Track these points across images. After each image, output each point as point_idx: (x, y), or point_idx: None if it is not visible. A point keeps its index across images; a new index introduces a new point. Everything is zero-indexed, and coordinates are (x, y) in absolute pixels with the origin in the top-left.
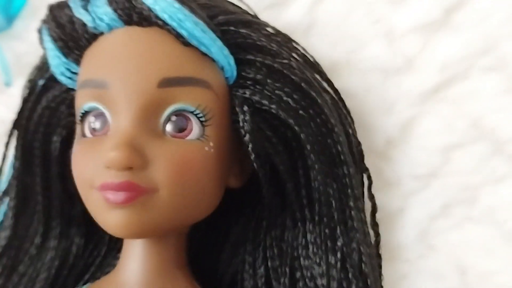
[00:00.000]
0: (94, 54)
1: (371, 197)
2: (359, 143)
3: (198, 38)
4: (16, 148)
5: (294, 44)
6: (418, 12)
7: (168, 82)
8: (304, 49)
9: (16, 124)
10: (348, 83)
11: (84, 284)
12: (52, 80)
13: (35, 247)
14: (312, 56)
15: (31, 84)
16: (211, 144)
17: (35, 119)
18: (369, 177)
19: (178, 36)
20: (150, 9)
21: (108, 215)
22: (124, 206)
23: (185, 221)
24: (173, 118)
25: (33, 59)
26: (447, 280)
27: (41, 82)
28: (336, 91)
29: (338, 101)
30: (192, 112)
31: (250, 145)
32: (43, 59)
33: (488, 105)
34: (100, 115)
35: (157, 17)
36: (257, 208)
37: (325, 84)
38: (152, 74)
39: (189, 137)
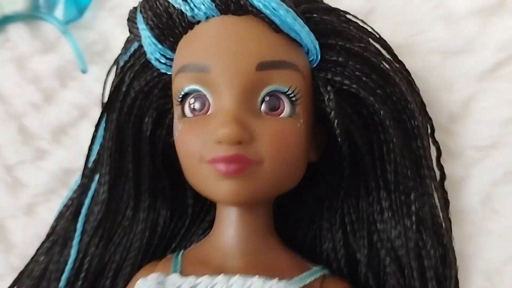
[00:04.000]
0: (192, 41)
1: (440, 167)
2: (429, 118)
3: (290, 25)
4: (109, 129)
5: (369, 29)
6: None
7: (264, 66)
8: (379, 34)
9: (108, 107)
10: (410, 64)
11: (172, 252)
12: (144, 66)
13: (127, 219)
14: (385, 41)
15: (123, 69)
16: (301, 121)
17: (128, 102)
18: (438, 149)
19: (271, 24)
20: None
21: (219, 185)
22: (234, 176)
23: (280, 190)
24: (267, 98)
25: (102, 48)
26: (509, 240)
27: (134, 68)
28: (407, 71)
29: (410, 81)
30: (284, 93)
31: (335, 121)
32: (134, 46)
33: None
34: (199, 97)
35: (252, 6)
36: (332, 180)
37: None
38: (251, 59)
39: (282, 115)
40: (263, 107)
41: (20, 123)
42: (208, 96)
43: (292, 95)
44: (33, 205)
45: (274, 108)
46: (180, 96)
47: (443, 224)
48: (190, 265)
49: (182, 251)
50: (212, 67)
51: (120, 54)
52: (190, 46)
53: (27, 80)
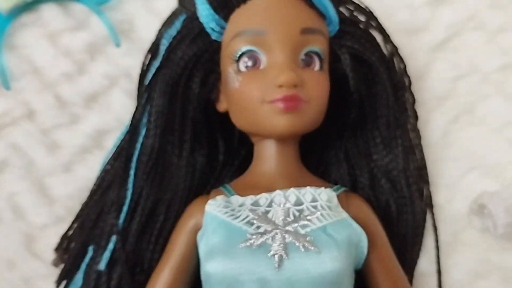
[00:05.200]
0: (246, 12)
1: (415, 111)
2: (408, 76)
3: (322, 2)
4: (159, 88)
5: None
6: None
7: (306, 30)
8: (379, 22)
9: (161, 69)
10: None
11: (208, 193)
12: (197, 34)
13: (172, 165)
14: (379, 21)
15: (176, 37)
16: (326, 74)
17: (182, 64)
18: (413, 97)
19: (307, 0)
20: None
21: (278, 120)
22: (292, 111)
23: (315, 125)
24: (303, 56)
25: (128, 27)
26: (460, 160)
27: (190, 35)
28: (395, 47)
29: (396, 48)
30: (316, 53)
31: (351, 74)
32: (180, 19)
33: None
34: (252, 56)
35: None
36: (337, 125)
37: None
38: (296, 25)
39: (315, 69)
40: (301, 63)
41: (55, 91)
42: (261, 54)
43: (321, 54)
44: (70, 164)
45: (309, 64)
46: (237, 55)
47: (419, 152)
48: (241, 190)
49: (226, 184)
50: (267, 31)
51: (163, 26)
52: (246, 16)
53: (60, 54)
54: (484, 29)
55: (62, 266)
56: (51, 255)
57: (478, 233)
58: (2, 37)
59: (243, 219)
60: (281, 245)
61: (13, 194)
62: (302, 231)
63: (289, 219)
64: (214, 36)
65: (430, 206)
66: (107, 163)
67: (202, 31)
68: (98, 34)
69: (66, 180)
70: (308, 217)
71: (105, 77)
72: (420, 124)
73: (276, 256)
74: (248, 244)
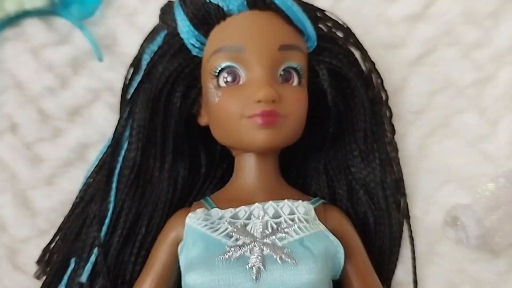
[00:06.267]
0: (226, 29)
1: (392, 125)
2: (385, 90)
3: (299, 19)
4: (141, 102)
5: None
6: None
7: (284, 47)
8: (356, 38)
9: (143, 83)
10: None
11: (190, 205)
12: (178, 50)
13: (154, 178)
14: (357, 38)
15: (157, 52)
16: (305, 89)
17: (163, 80)
18: (390, 112)
19: (286, 17)
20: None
21: (257, 134)
22: (269, 126)
23: (293, 139)
24: (282, 72)
25: (111, 41)
26: (435, 173)
27: (170, 51)
28: (369, 57)
29: (373, 63)
30: (294, 68)
31: (329, 89)
32: (161, 35)
33: None
34: (231, 71)
35: (274, 4)
36: (316, 138)
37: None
38: (275, 42)
39: (293, 85)
40: (280, 78)
41: (38, 105)
42: (240, 70)
43: (299, 70)
44: (53, 177)
45: (287, 79)
46: (217, 71)
47: (396, 165)
48: (221, 203)
49: (207, 197)
50: (246, 48)
51: (144, 41)
52: (225, 33)
53: (43, 68)
54: (459, 45)
55: (44, 278)
56: (33, 268)
57: (453, 244)
58: None
59: (222, 232)
60: (259, 257)
61: None
62: (280, 244)
63: (267, 232)
64: (194, 51)
65: (407, 217)
66: (89, 176)
67: (182, 47)
68: (80, 48)
69: (48, 193)
70: (286, 230)
71: (88, 91)
72: (397, 138)
73: (254, 268)
74: (226, 256)
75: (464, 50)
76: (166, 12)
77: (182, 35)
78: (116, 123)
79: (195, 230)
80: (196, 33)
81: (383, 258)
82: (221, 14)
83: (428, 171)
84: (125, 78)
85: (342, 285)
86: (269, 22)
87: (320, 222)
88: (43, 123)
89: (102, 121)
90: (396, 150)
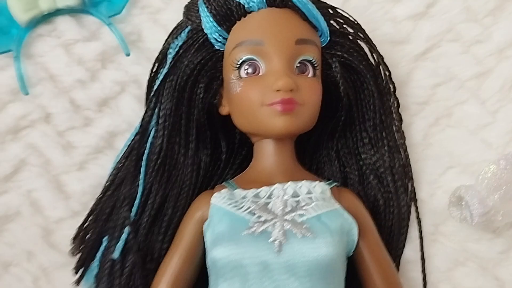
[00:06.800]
0: (247, 25)
1: (399, 114)
2: (393, 82)
3: (314, 16)
4: (168, 93)
5: (360, 25)
6: None
7: (300, 41)
8: (366, 33)
9: (169, 75)
10: None
11: (212, 188)
12: (201, 44)
13: (179, 163)
14: (366, 33)
15: (182, 47)
16: (319, 80)
17: (188, 72)
18: (397, 102)
19: (301, 14)
20: None
21: (276, 121)
22: (288, 113)
23: (309, 126)
24: (298, 64)
25: (136, 38)
26: (438, 159)
27: (194, 45)
28: (378, 52)
29: (381, 57)
30: (310, 61)
31: (341, 81)
32: (185, 31)
33: None
34: (252, 64)
35: (291, 2)
36: (328, 127)
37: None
38: (292, 36)
39: (309, 76)
40: (296, 70)
41: (70, 96)
42: (260, 62)
43: (314, 62)
44: (84, 162)
45: (303, 71)
46: (238, 63)
47: (404, 151)
48: (243, 185)
49: (229, 180)
50: (265, 41)
51: (170, 36)
52: (246, 28)
53: (74, 62)
54: (460, 41)
55: (78, 255)
56: (67, 246)
57: (457, 223)
58: (21, 46)
59: (245, 210)
60: (281, 232)
61: (31, 191)
62: (299, 220)
63: (287, 209)
64: (217, 46)
65: (414, 200)
66: (119, 162)
67: (206, 41)
68: (108, 44)
69: (80, 177)
70: (304, 208)
71: (116, 83)
72: (403, 127)
73: (276, 241)
74: (250, 231)
75: (465, 46)
76: (190, 9)
77: (206, 31)
78: (141, 113)
79: (221, 208)
80: (219, 28)
81: (393, 237)
82: (242, 11)
83: (433, 158)
84: (151, 71)
85: (355, 263)
86: (286, 18)
87: (336, 201)
88: (74, 113)
89: (129, 111)
90: (403, 137)
